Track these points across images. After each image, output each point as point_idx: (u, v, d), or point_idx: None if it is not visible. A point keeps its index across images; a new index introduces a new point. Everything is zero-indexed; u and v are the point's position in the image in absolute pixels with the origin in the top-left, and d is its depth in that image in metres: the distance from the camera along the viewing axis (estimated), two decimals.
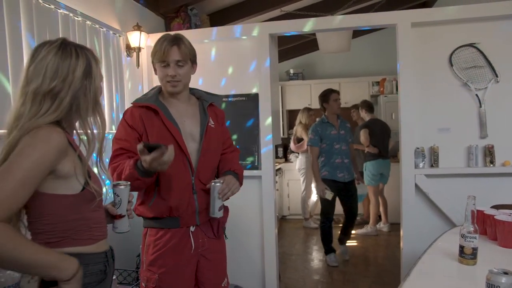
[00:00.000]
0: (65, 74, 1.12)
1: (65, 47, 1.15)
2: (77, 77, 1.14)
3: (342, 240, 4.14)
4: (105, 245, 1.26)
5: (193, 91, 1.88)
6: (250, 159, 3.09)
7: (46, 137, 1.05)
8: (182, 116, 1.76)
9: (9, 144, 1.07)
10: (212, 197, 1.68)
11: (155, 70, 1.76)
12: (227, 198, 1.71)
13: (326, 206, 3.97)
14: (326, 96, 4.03)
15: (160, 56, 1.69)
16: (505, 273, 1.17)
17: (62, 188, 1.12)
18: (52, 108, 1.10)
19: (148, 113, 1.70)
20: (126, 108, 2.08)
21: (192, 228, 1.73)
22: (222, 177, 1.75)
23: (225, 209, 1.87)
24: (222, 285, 1.84)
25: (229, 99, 3.12)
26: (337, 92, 4.07)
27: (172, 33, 1.77)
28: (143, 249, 1.76)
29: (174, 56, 1.68)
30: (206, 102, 1.84)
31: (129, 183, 1.34)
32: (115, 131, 1.85)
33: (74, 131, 1.21)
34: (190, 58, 1.74)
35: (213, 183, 1.68)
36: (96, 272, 1.18)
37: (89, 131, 1.18)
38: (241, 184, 1.84)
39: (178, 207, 1.68)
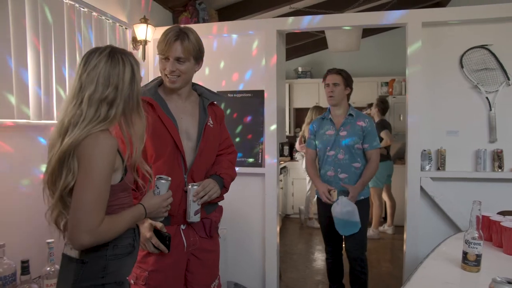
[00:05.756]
0: (116, 81, 1.26)
1: (114, 55, 1.27)
2: (126, 83, 1.28)
3: None
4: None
5: (195, 87, 1.82)
6: (253, 156, 3.06)
7: (108, 144, 1.21)
8: (180, 112, 1.71)
9: (75, 140, 1.19)
10: (188, 200, 1.63)
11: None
12: (204, 202, 1.66)
13: (322, 232, 3.00)
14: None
15: (161, 49, 1.63)
16: (509, 282, 1.12)
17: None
18: (111, 115, 1.25)
19: (145, 106, 1.66)
20: None
21: (183, 226, 1.70)
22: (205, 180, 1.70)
23: (218, 208, 1.83)
24: (212, 286, 1.79)
25: (235, 95, 3.09)
26: (335, 72, 2.88)
27: (182, 26, 1.69)
28: None
29: (176, 52, 1.61)
30: (207, 100, 1.77)
31: (170, 178, 1.45)
32: None
33: (119, 128, 1.36)
34: (194, 55, 1.65)
35: (190, 186, 1.63)
36: (126, 245, 1.33)
37: (132, 130, 1.33)
38: (227, 189, 1.78)
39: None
